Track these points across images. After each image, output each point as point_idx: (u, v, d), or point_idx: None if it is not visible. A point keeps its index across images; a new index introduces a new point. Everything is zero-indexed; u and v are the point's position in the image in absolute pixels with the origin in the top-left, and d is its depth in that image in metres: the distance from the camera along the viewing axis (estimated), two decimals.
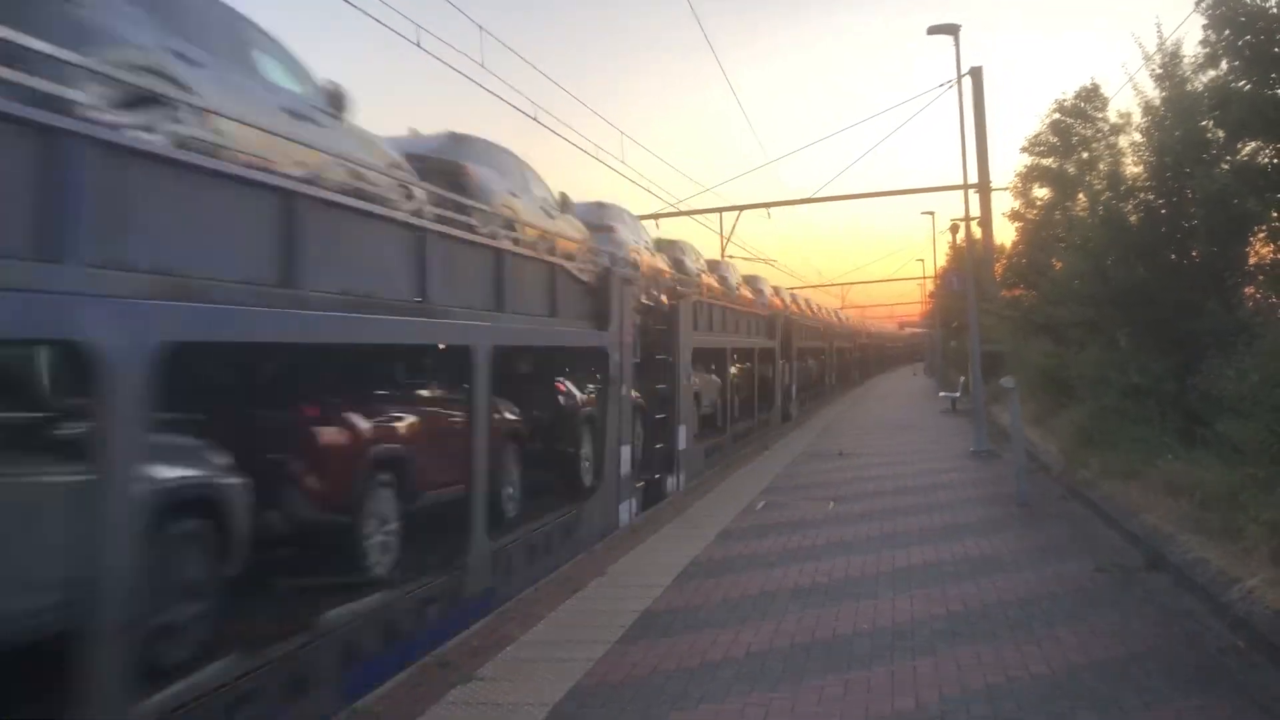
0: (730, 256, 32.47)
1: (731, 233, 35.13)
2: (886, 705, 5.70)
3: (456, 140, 10.55)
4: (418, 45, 11.99)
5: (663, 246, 19.80)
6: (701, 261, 22.48)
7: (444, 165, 9.54)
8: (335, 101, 7.77)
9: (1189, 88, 13.19)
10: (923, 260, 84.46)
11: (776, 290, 30.13)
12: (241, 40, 6.89)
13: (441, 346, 9.07)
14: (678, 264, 19.53)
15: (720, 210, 34.90)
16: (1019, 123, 77.76)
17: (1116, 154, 17.07)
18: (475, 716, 5.83)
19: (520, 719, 5.74)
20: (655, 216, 30.63)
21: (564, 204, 12.79)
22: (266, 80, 7.03)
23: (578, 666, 6.62)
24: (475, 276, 9.16)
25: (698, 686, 6.15)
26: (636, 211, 19.53)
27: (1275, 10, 10.34)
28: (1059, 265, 18.90)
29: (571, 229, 12.61)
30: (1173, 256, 13.39)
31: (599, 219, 14.99)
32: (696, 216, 34.23)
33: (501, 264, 9.55)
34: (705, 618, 7.77)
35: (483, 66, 13.95)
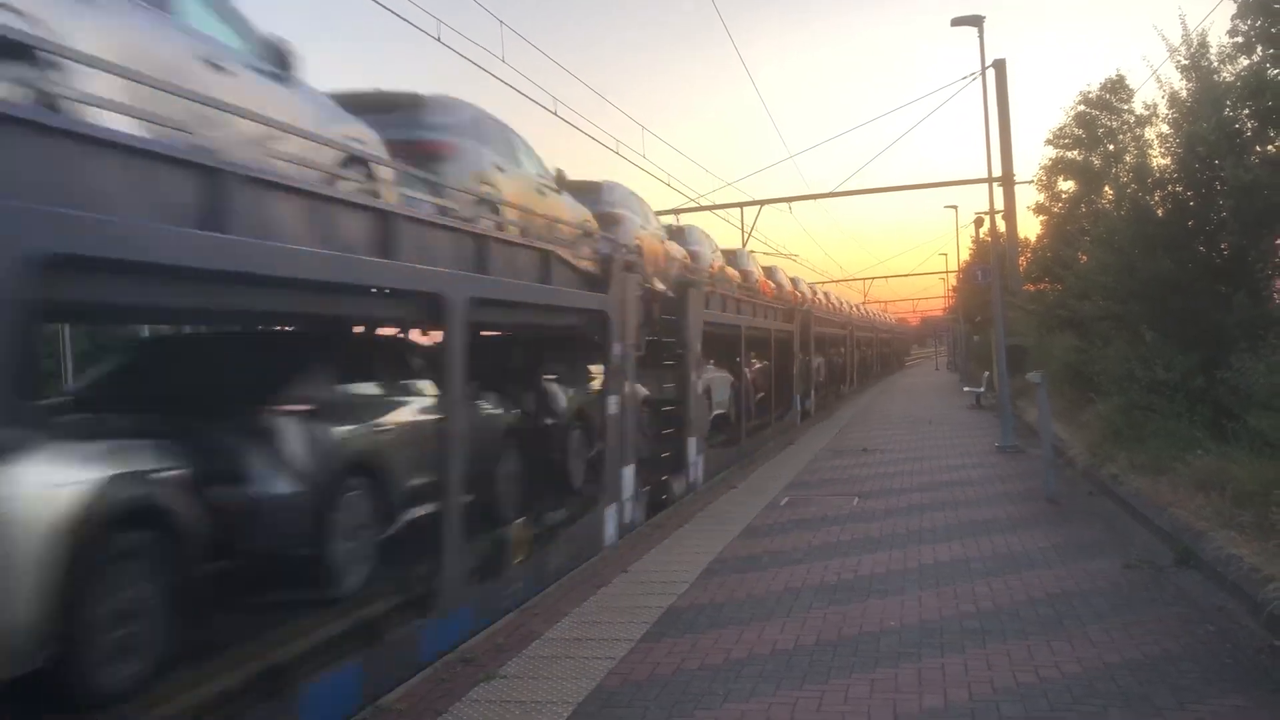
0: (752, 252, 32.37)
1: (753, 227, 35.04)
2: (915, 704, 5.62)
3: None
4: (438, 39, 11.96)
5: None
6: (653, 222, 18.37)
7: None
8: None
9: (1217, 78, 13.00)
10: (946, 254, 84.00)
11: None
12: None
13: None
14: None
15: (741, 205, 34.82)
16: (1042, 116, 77.11)
17: (1143, 146, 16.84)
18: (498, 714, 5.79)
19: (543, 717, 5.70)
20: (676, 211, 30.59)
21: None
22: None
23: (601, 664, 6.58)
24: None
25: (722, 685, 6.09)
26: (656, 206, 19.47)
27: None
28: (1084, 259, 18.70)
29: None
30: (1201, 249, 13.22)
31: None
32: (718, 211, 34.18)
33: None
34: (730, 615, 7.71)
35: (503, 60, 13.95)
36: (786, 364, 25.54)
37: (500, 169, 9.51)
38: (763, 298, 23.92)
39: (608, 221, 13.34)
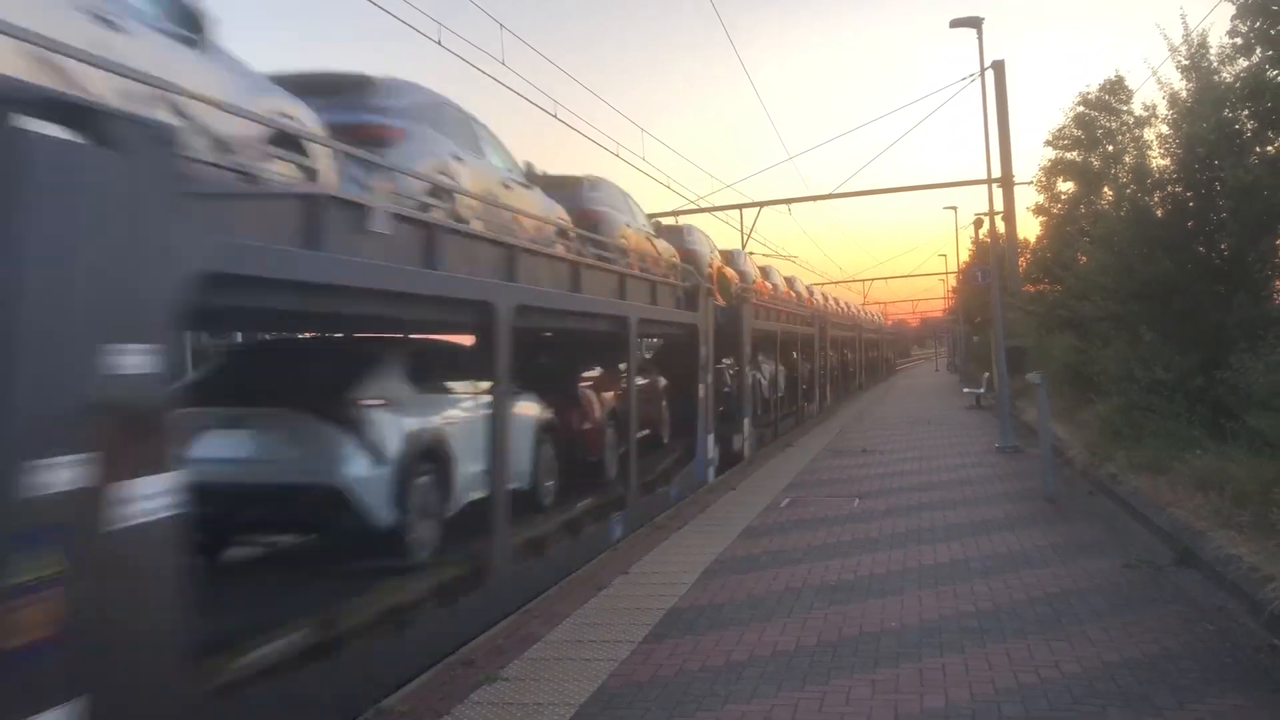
0: (751, 253, 32.37)
1: (752, 229, 35.01)
2: (916, 704, 5.64)
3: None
4: (439, 43, 11.98)
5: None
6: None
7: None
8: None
9: (1217, 79, 13.01)
10: (945, 255, 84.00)
11: None
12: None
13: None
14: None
15: (741, 206, 34.77)
16: (1042, 116, 77.19)
17: (1142, 147, 16.86)
18: (500, 716, 5.80)
19: (546, 719, 5.71)
20: (675, 213, 30.60)
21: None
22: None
23: (603, 666, 6.59)
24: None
25: (724, 686, 6.10)
26: (656, 208, 19.93)
27: None
28: (1083, 259, 18.73)
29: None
30: (1200, 250, 13.23)
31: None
32: (717, 213, 34.17)
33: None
34: (730, 616, 7.72)
35: (503, 64, 14.00)
36: (687, 380, 16.22)
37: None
38: (621, 260, 13.18)
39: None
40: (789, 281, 31.76)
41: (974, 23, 19.86)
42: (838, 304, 44.45)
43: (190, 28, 5.71)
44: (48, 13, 4.48)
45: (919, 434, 22.81)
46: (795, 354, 27.97)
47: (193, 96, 5.25)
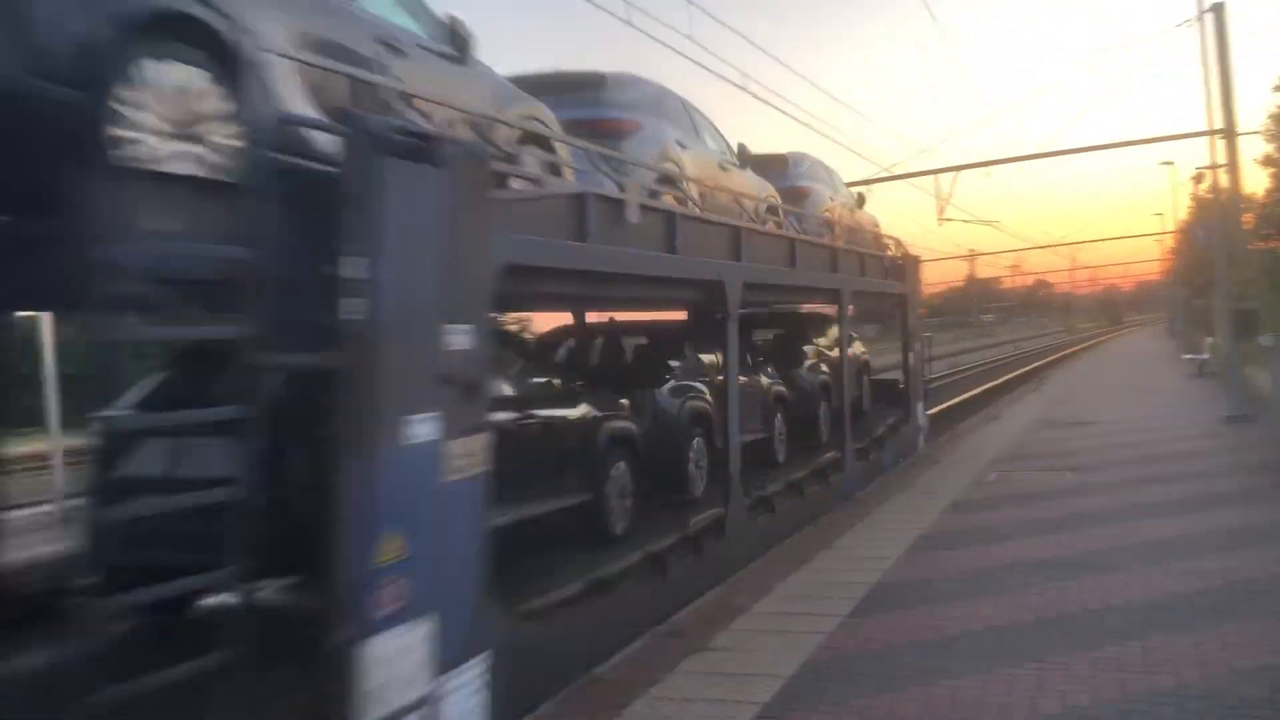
0: (949, 219, 31.32)
1: (950, 195, 33.86)
2: (1142, 683, 5.38)
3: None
4: (628, 23, 12.11)
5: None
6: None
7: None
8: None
9: None
10: (1161, 214, 78.97)
11: None
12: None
13: None
14: None
15: (936, 172, 33.54)
16: (1270, 59, 71.48)
17: None
18: (709, 685, 5.88)
19: (754, 689, 5.74)
20: (866, 182, 29.90)
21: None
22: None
23: (810, 639, 6.57)
24: None
25: (934, 660, 5.99)
26: (848, 178, 19.11)
27: None
28: None
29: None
30: None
31: None
32: (911, 180, 33.22)
33: None
34: (939, 591, 7.56)
35: (690, 39, 13.94)
36: None
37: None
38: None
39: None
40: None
41: None
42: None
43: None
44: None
45: (1135, 404, 21.65)
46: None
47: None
